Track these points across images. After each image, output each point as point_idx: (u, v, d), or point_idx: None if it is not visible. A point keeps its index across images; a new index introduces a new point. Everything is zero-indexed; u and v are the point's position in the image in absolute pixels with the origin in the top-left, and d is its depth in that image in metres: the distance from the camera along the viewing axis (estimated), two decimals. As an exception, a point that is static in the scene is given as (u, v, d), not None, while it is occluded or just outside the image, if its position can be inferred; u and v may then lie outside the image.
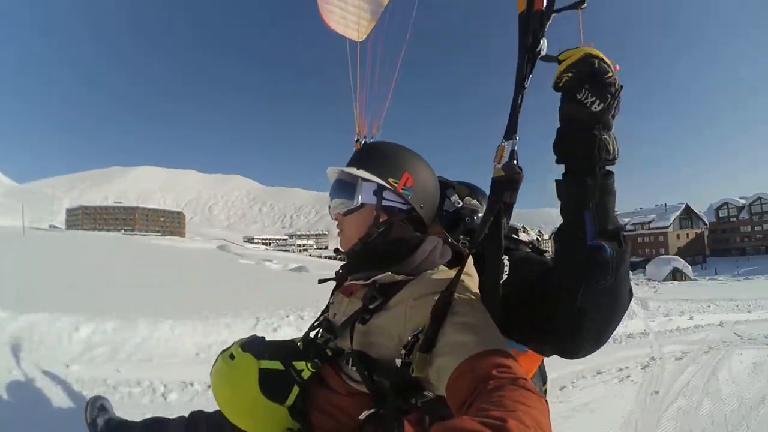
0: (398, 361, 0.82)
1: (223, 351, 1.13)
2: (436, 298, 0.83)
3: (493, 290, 0.90)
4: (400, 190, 1.06)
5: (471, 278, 0.93)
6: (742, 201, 68.71)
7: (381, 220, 1.06)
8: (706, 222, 68.32)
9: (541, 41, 0.85)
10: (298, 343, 1.13)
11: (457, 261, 1.03)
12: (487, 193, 1.06)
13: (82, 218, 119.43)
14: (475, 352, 0.69)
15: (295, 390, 1.01)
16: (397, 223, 1.06)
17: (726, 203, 70.48)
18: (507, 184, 0.88)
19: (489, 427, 0.48)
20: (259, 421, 1.01)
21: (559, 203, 0.88)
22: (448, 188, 1.45)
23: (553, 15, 0.85)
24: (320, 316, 1.22)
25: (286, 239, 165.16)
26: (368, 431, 0.90)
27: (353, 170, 1.08)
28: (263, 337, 1.17)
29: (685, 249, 61.75)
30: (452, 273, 0.93)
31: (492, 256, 0.92)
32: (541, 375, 1.50)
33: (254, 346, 1.09)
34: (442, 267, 1.01)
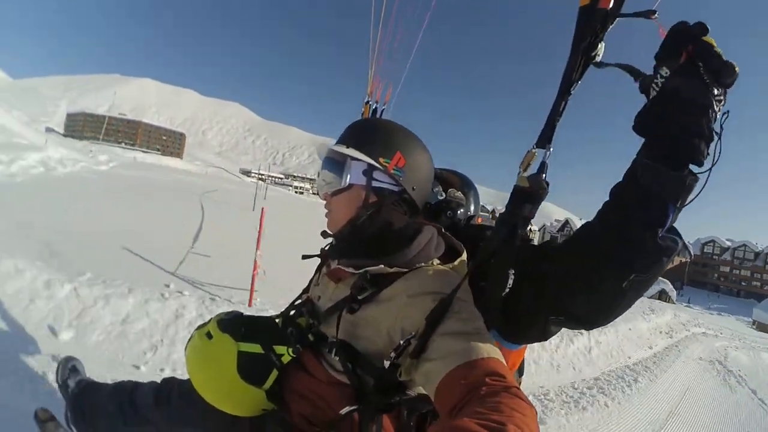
0: (386, 363, 0.80)
1: (200, 327, 1.11)
2: (431, 299, 0.80)
3: (494, 301, 0.89)
4: (391, 171, 0.98)
5: (460, 275, 0.88)
6: (728, 243, 75.61)
7: (370, 201, 0.98)
8: (692, 254, 71.82)
9: (600, 45, 0.79)
10: (277, 320, 1.12)
11: (449, 254, 0.99)
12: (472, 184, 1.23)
13: (83, 125, 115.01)
14: (469, 360, 0.67)
15: (274, 374, 1.00)
16: (387, 205, 0.99)
17: (713, 241, 77.23)
18: (530, 197, 0.84)
19: (490, 430, 0.49)
20: (235, 401, 1.01)
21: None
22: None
23: (618, 19, 0.78)
24: (302, 294, 1.20)
25: (282, 178, 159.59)
26: (346, 425, 0.90)
27: (342, 149, 1.00)
28: (242, 313, 1.11)
29: (668, 273, 64.40)
30: (448, 269, 0.92)
31: (499, 270, 0.88)
32: (519, 369, 1.47)
33: (233, 324, 1.05)
34: (436, 261, 0.96)
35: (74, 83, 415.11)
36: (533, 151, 0.85)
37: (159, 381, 1.38)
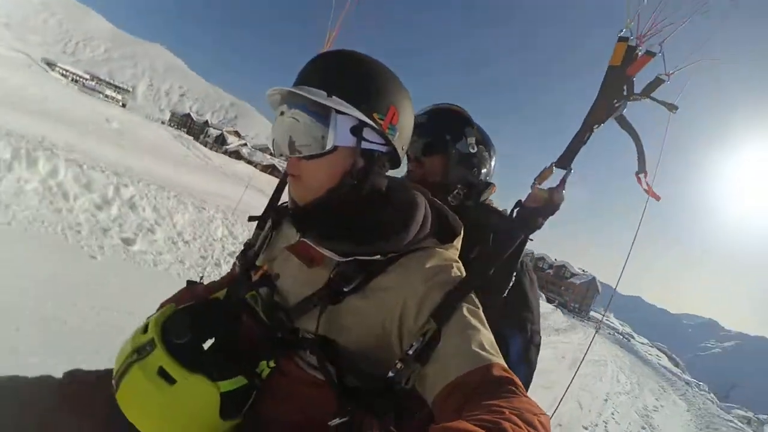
0: (390, 374, 0.68)
1: (138, 357, 0.72)
2: (437, 292, 0.71)
3: (493, 302, 0.90)
4: (386, 130, 0.79)
5: (460, 262, 0.81)
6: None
7: (358, 166, 0.78)
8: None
9: (623, 103, 0.84)
10: (220, 296, 0.92)
11: (442, 232, 0.85)
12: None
13: None
14: (476, 367, 0.61)
15: (252, 397, 0.76)
16: (374, 171, 0.80)
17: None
18: (547, 210, 0.82)
19: (487, 430, 0.46)
20: None
21: None
22: (467, 126, 1.25)
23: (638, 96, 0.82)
24: (243, 262, 0.92)
25: (88, 79, 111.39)
26: None
27: (323, 98, 0.74)
28: (185, 313, 0.80)
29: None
30: (451, 255, 0.81)
31: (506, 275, 0.96)
32: None
33: (194, 352, 0.77)
34: (433, 241, 0.82)
35: None
36: (551, 168, 0.86)
37: None
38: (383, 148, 0.81)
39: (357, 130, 0.76)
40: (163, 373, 0.69)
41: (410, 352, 0.67)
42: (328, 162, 0.77)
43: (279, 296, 0.82)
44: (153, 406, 0.70)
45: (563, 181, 0.83)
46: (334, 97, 0.74)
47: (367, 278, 0.75)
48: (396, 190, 0.86)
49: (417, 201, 0.84)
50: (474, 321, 0.69)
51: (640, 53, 0.82)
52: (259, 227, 0.96)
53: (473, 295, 0.74)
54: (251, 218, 1.01)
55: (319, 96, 0.73)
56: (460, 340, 0.66)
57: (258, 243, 0.94)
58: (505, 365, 0.64)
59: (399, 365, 0.68)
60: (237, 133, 77.51)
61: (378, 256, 0.75)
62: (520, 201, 0.86)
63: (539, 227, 0.83)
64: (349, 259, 0.75)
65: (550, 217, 0.82)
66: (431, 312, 0.69)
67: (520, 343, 1.18)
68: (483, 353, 0.64)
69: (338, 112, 0.75)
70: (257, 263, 0.91)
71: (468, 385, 0.60)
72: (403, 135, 0.83)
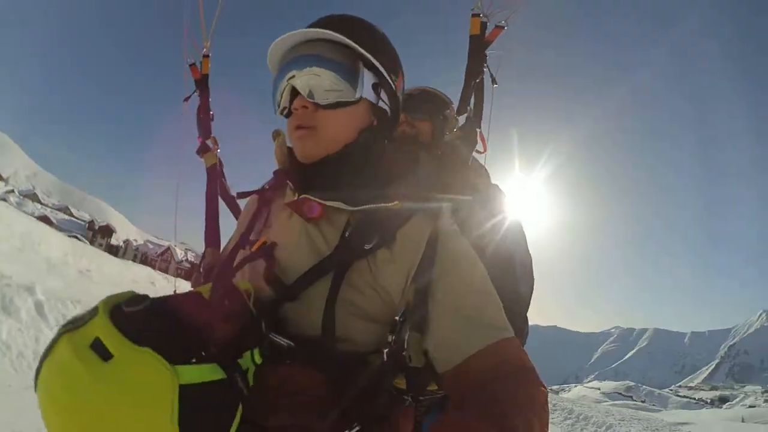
0: (385, 351, 0.62)
1: (67, 330, 0.48)
2: (455, 252, 0.66)
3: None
4: (397, 92, 0.78)
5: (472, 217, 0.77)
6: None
7: (373, 125, 0.75)
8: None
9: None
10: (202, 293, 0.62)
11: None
12: None
13: None
14: (491, 342, 0.57)
15: (239, 413, 0.53)
16: (380, 134, 0.77)
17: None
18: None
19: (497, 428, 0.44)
20: None
21: None
22: (448, 107, 1.29)
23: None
24: (240, 242, 0.78)
25: None
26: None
27: (355, 44, 0.69)
28: (149, 297, 0.53)
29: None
30: (460, 214, 0.76)
31: None
32: None
33: (148, 322, 0.50)
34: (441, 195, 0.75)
35: None
36: (455, 116, 1.13)
37: None
38: (388, 112, 0.79)
39: (377, 87, 0.75)
40: (98, 347, 0.46)
41: (405, 309, 0.64)
42: (349, 114, 0.72)
43: (279, 270, 0.68)
44: (74, 392, 0.45)
45: (469, 120, 1.11)
46: (363, 49, 0.71)
47: (384, 236, 0.66)
48: (398, 149, 0.85)
49: (419, 159, 0.81)
50: (486, 280, 0.66)
51: (489, 27, 1.04)
52: (255, 212, 0.84)
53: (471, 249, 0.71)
54: (240, 194, 0.90)
55: (350, 41, 0.69)
56: (474, 310, 0.62)
57: (247, 222, 0.83)
58: (514, 337, 0.61)
59: (390, 337, 0.63)
60: (-1, 177, 56.03)
61: (396, 202, 0.67)
62: None
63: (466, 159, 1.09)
64: (362, 208, 0.67)
65: None
66: (448, 273, 0.65)
67: None
68: (499, 325, 0.61)
69: (366, 66, 0.72)
70: (251, 238, 0.79)
71: (482, 366, 0.57)
72: (401, 101, 0.82)
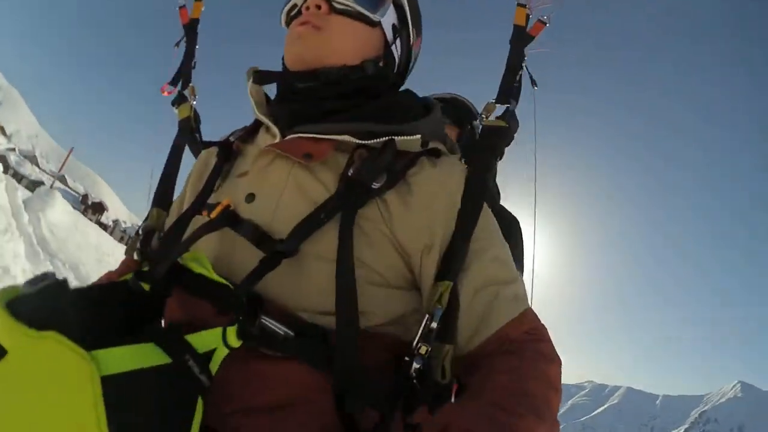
0: (416, 364, 0.49)
1: None
2: (474, 208, 0.56)
3: None
4: (413, 50, 0.74)
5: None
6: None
7: (381, 63, 0.68)
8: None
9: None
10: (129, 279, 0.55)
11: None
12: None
13: None
14: (518, 313, 0.53)
15: (200, 408, 0.44)
16: (392, 75, 0.73)
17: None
18: (506, 134, 0.71)
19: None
20: None
21: None
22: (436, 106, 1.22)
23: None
24: (184, 217, 0.62)
25: None
26: None
27: None
28: (62, 280, 0.42)
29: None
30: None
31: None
32: None
33: (52, 302, 0.40)
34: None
35: None
36: (494, 105, 0.82)
37: None
38: (395, 71, 0.74)
39: (397, 30, 0.70)
40: None
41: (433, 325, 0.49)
42: (361, 32, 0.65)
43: (260, 236, 0.54)
44: None
45: (510, 112, 0.78)
46: None
47: (396, 175, 0.55)
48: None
49: (435, 105, 0.72)
50: (504, 247, 0.61)
51: (532, 21, 0.93)
52: (215, 168, 0.68)
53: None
54: (205, 143, 0.80)
55: None
56: (502, 274, 0.56)
57: (204, 182, 0.66)
58: (530, 309, 0.57)
59: (422, 347, 0.49)
60: (2, 130, 56.25)
61: (417, 135, 0.59)
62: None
63: (502, 154, 0.85)
64: (374, 141, 0.56)
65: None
66: (466, 230, 0.54)
67: None
68: (522, 293, 0.58)
69: (395, 2, 0.69)
70: (209, 201, 0.62)
71: (508, 337, 0.52)
72: (411, 67, 0.78)
